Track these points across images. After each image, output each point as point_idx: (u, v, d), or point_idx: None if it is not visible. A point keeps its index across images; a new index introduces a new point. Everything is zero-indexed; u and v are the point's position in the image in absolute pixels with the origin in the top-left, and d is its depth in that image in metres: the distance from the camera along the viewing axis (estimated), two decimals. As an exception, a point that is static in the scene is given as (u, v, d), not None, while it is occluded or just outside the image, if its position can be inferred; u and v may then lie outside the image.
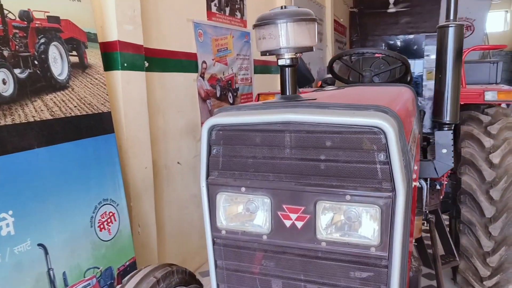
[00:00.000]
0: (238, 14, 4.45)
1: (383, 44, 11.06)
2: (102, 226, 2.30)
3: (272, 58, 4.96)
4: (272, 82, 5.42)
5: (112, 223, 2.37)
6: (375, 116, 1.16)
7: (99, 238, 2.29)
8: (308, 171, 1.26)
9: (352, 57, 3.37)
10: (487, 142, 2.80)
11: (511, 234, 2.75)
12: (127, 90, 2.69)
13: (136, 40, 2.75)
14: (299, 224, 1.29)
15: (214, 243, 1.43)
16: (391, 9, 10.28)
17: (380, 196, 1.19)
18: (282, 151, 1.29)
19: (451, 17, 2.00)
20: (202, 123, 3.75)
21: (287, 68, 1.43)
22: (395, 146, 1.14)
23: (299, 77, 2.69)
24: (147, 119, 2.90)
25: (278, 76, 4.91)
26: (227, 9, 4.24)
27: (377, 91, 1.97)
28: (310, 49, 1.40)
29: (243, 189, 1.35)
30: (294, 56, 1.40)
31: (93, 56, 2.43)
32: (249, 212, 1.36)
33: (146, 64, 2.95)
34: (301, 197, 1.28)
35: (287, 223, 1.31)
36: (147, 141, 2.90)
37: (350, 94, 1.81)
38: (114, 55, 2.58)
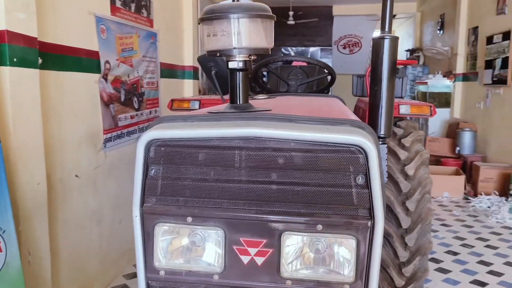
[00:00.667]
0: (144, 12, 4.09)
1: (282, 54, 11.32)
2: (-18, 260, 1.83)
3: (178, 62, 4.67)
4: (178, 87, 5.13)
5: (-5, 255, 1.90)
6: (354, 133, 1.00)
7: (-22, 276, 1.82)
8: (272, 197, 1.06)
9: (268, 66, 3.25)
10: (402, 154, 2.86)
11: (424, 244, 2.83)
12: (17, 90, 2.22)
13: (29, 31, 2.30)
14: (259, 260, 1.08)
15: (149, 287, 1.14)
16: (290, 21, 10.59)
17: (357, 225, 1.03)
18: (240, 173, 1.07)
19: (386, 29, 1.95)
20: (104, 130, 3.35)
21: (238, 72, 1.21)
22: (377, 168, 0.99)
23: (223, 83, 2.47)
24: (41, 124, 2.45)
25: (184, 81, 4.63)
26: (133, 5, 3.87)
27: (318, 102, 1.85)
28: (266, 51, 1.19)
29: (189, 219, 1.09)
30: (248, 59, 1.19)
31: (-28, 46, 1.94)
32: (195, 247, 1.10)
33: (40, 61, 2.49)
34: (262, 228, 1.07)
35: (245, 259, 1.08)
36: (40, 151, 2.44)
37: (296, 104, 1.64)
38: (0, 48, 2.11)
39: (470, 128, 6.73)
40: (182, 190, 1.09)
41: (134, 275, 3.47)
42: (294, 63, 3.17)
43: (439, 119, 7.72)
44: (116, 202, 3.50)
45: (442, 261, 3.83)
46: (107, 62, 3.34)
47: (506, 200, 5.23)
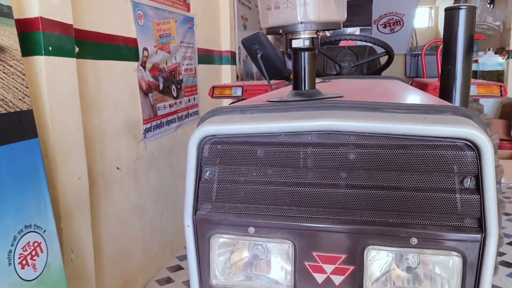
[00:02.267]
0: (181, -4, 3.92)
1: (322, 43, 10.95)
2: (24, 262, 1.73)
3: (215, 47, 4.44)
4: (215, 73, 4.96)
5: (38, 256, 1.81)
6: (460, 123, 0.78)
7: (21, 278, 1.72)
8: (353, 203, 0.86)
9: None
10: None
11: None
12: (53, 81, 2.10)
13: (64, 18, 2.17)
14: (337, 280, 0.89)
15: (205, 307, 0.98)
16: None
17: (464, 240, 0.82)
18: (313, 175, 0.87)
19: (461, -2, 1.69)
20: (144, 121, 3.23)
21: (304, 52, 1.01)
22: (492, 167, 0.77)
23: (269, 67, 2.27)
24: (80, 117, 2.33)
25: (222, 66, 4.45)
26: (169, -11, 3.70)
27: (383, 85, 1.62)
28: (337, 25, 0.98)
29: (251, 229, 0.91)
30: (315, 35, 0.99)
31: (6, 36, 1.82)
32: (259, 261, 0.93)
33: (77, 49, 2.36)
34: (341, 241, 0.87)
35: (319, 277, 0.89)
36: (80, 145, 2.33)
37: (362, 88, 1.42)
38: (35, 36, 1.99)
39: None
40: (243, 195, 0.91)
41: (177, 268, 3.38)
42: (342, 43, 2.92)
43: (491, 99, 7.24)
44: (157, 194, 3.40)
45: (505, 254, 3.53)
46: (145, 49, 3.20)
47: None
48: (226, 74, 5.17)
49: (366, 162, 0.84)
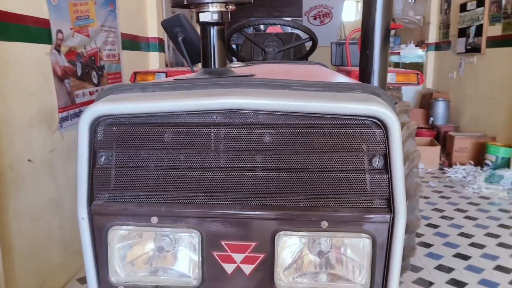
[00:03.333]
0: (101, -24, 3.68)
1: (252, 27, 10.95)
2: None
3: (141, 32, 4.23)
4: (142, 60, 4.75)
5: None
6: (368, 101, 0.76)
7: None
8: (262, 188, 0.81)
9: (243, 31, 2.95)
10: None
11: (412, 221, 2.67)
12: None
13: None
14: (248, 269, 0.83)
15: (104, 307, 0.88)
16: (259, -9, 10.20)
17: (374, 221, 0.79)
18: (219, 157, 0.81)
19: (380, -16, 1.70)
20: (59, 109, 3.00)
21: (213, 27, 0.94)
22: (399, 146, 0.75)
23: (191, 51, 2.16)
24: (-20, 104, 2.10)
25: (149, 54, 4.26)
26: (87, -32, 3.46)
27: (304, 69, 1.59)
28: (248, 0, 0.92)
29: (154, 219, 0.83)
30: (225, 9, 0.92)
31: None
32: (164, 254, 0.85)
33: (-24, 28, 2.12)
34: (250, 228, 0.82)
35: (228, 268, 0.84)
36: (-19, 135, 2.10)
37: (281, 71, 1.38)
38: None
39: (443, 98, 6.66)
40: (144, 182, 0.82)
41: (101, 265, 3.19)
42: (269, 30, 2.89)
43: (411, 89, 7.64)
44: (75, 188, 3.17)
45: (423, 235, 3.73)
46: (59, 31, 2.96)
47: (481, 169, 5.20)
48: (154, 61, 4.97)
49: (275, 143, 0.79)
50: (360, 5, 15.33)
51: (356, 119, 0.76)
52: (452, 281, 2.92)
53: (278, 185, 0.81)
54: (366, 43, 1.76)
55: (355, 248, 0.82)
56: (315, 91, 0.79)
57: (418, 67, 8.02)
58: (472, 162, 5.49)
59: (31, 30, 2.69)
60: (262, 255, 0.83)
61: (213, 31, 0.94)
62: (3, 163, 2.40)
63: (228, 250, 0.83)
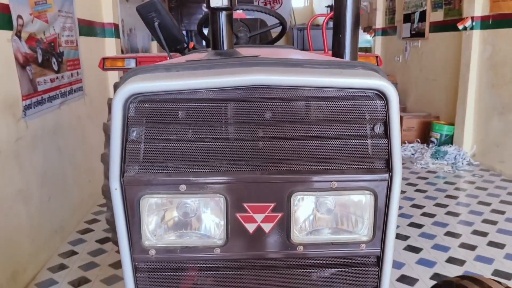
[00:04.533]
0: (55, -41, 3.57)
1: (203, 13, 10.89)
2: None
3: (97, 18, 4.20)
4: (99, 47, 4.66)
5: None
6: (370, 76, 0.88)
7: None
8: (280, 154, 0.92)
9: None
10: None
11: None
12: None
13: None
14: (267, 227, 0.95)
15: (136, 270, 0.96)
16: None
17: (375, 179, 0.93)
18: (241, 129, 0.91)
19: (349, -27, 1.83)
20: (23, 97, 2.93)
21: (221, 12, 1.03)
22: (397, 114, 0.89)
23: (168, 36, 2.22)
24: None
25: (105, 39, 4.20)
26: (41, -49, 3.35)
27: (284, 51, 1.70)
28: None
29: (182, 187, 0.92)
30: (233, -5, 1.01)
31: None
32: (191, 219, 0.94)
33: None
34: (269, 190, 0.93)
35: (250, 227, 0.94)
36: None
37: (268, 53, 1.48)
38: None
39: (391, 80, 6.99)
40: (172, 153, 0.90)
41: (71, 253, 3.19)
42: (234, 16, 2.95)
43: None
44: (43, 178, 3.13)
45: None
46: (19, 17, 2.87)
47: (428, 146, 5.58)
48: (110, 47, 4.87)
49: (290, 115, 0.90)
50: (312, -10, 15.58)
51: (360, 92, 0.89)
52: (409, 247, 3.18)
53: (293, 152, 0.92)
54: (338, 28, 1.89)
55: (359, 204, 0.95)
56: (323, 68, 0.90)
57: (366, 51, 8.37)
58: (419, 140, 5.87)
59: (-9, 15, 2.61)
60: (280, 214, 0.94)
61: (223, 16, 1.03)
62: (-31, 153, 2.34)
63: (250, 211, 0.93)
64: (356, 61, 0.96)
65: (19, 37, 2.88)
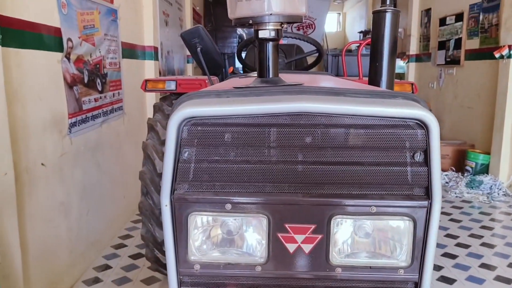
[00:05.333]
0: (104, -13, 3.79)
1: (237, 36, 11.16)
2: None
3: (138, 41, 4.35)
4: (139, 68, 4.86)
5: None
6: (411, 106, 0.92)
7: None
8: (321, 178, 0.96)
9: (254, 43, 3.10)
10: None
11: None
12: (-24, 69, 1.96)
13: (-14, 1, 2.02)
14: (307, 248, 0.98)
15: (181, 283, 1.02)
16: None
17: (414, 206, 0.96)
18: (286, 153, 0.96)
19: (387, 2, 1.89)
20: (69, 115, 3.09)
21: (269, 43, 1.09)
22: (437, 143, 0.92)
23: (208, 61, 2.32)
24: (5, 108, 2.19)
25: (145, 62, 4.38)
26: (91, -21, 3.57)
27: (322, 78, 1.76)
28: (299, 18, 1.08)
29: (228, 206, 0.97)
30: (280, 27, 1.08)
31: None
32: (235, 237, 0.99)
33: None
34: (310, 213, 0.97)
35: (291, 247, 0.98)
36: (5, 138, 2.19)
37: (309, 81, 1.54)
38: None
39: (424, 107, 6.94)
40: (219, 174, 0.96)
41: (105, 267, 3.28)
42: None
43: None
44: (82, 192, 3.26)
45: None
46: (69, 39, 3.06)
47: (462, 175, 5.47)
48: (149, 69, 5.07)
49: (333, 141, 0.95)
50: (341, 17, 15.74)
51: (401, 121, 0.93)
52: (442, 278, 3.11)
53: (334, 176, 0.96)
54: (375, 56, 1.94)
55: (398, 230, 0.98)
56: (365, 97, 0.95)
57: (400, 77, 8.34)
58: (453, 168, 5.76)
59: (44, 38, 2.79)
60: (319, 236, 0.98)
61: (269, 46, 1.09)
62: (20, 166, 2.48)
63: (291, 232, 0.97)
64: (397, 91, 1.00)
65: (68, 58, 3.06)
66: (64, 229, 3.02)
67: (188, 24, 7.77)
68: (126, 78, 4.29)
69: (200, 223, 0.98)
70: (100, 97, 3.64)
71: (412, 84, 2.84)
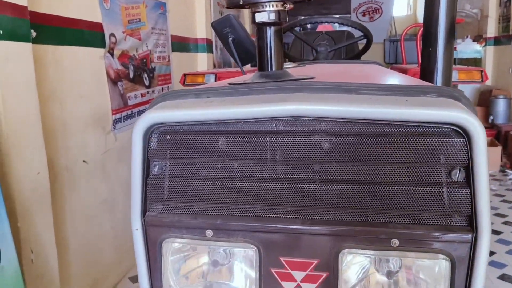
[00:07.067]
0: (151, -21, 3.73)
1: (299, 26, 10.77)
2: (-29, 267, 1.58)
3: (190, 34, 4.22)
4: (191, 62, 4.79)
5: (-13, 260, 1.65)
6: (446, 106, 0.67)
7: (-32, 285, 1.57)
8: (326, 201, 0.74)
9: (293, 30, 2.87)
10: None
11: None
12: (6, 68, 1.93)
13: (17, -1, 1.99)
14: (309, 288, 0.77)
15: (157, 321, 0.85)
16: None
17: (452, 240, 0.71)
18: (279, 168, 0.75)
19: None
20: (112, 111, 3.06)
21: (269, 28, 0.88)
22: (484, 157, 0.66)
23: (241, 51, 2.12)
24: (38, 107, 2.15)
25: (198, 55, 4.27)
26: (138, -28, 3.51)
27: (361, 68, 1.50)
28: (306, -3, 0.86)
29: (209, 232, 0.78)
30: (282, 8, 0.86)
31: None
32: (220, 268, 0.80)
33: (34, 34, 2.18)
34: (313, 244, 0.75)
35: (288, 286, 0.78)
36: (39, 138, 2.16)
37: (338, 72, 1.30)
38: (-18, 18, 1.81)
39: (504, 95, 6.26)
40: (198, 192, 0.78)
41: (152, 265, 3.23)
42: (320, 28, 2.79)
43: (469, 86, 7.25)
44: (127, 188, 3.23)
45: (494, 253, 3.49)
46: (112, 35, 3.02)
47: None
48: (202, 62, 4.99)
49: (340, 153, 0.72)
50: (412, 0, 14.81)
51: (432, 126, 0.68)
52: (505, 277, 2.73)
53: (343, 198, 0.74)
54: (428, 40, 1.64)
55: (430, 270, 0.74)
56: (384, 95, 0.71)
57: (475, 62, 7.61)
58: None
59: (85, 34, 2.76)
60: (324, 274, 0.76)
61: (270, 32, 0.88)
62: (59, 164, 2.47)
63: (288, 268, 0.77)
64: (430, 85, 0.75)
65: (112, 54, 3.02)
66: (108, 226, 3.01)
67: (246, 14, 7.62)
68: (177, 72, 4.23)
69: (177, 251, 0.80)
70: (148, 92, 3.60)
71: (481, 71, 2.46)
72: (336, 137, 0.71)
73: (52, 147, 2.34)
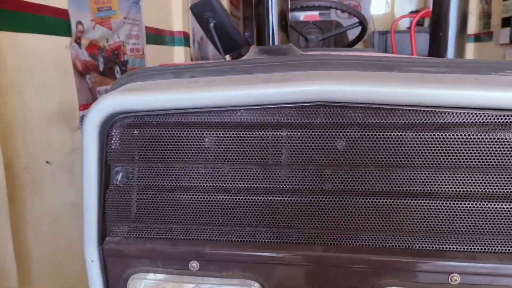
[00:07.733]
0: (124, -35, 3.46)
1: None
2: None
3: (166, 26, 3.93)
4: (167, 55, 4.54)
5: None
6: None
7: None
8: (357, 221, 0.53)
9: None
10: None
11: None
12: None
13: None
14: None
15: None
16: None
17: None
18: (293, 175, 0.53)
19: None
20: (80, 106, 2.79)
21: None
22: None
23: (225, 39, 1.89)
24: (-10, 101, 1.88)
25: (174, 48, 4.00)
26: (109, -44, 3.24)
27: (368, 54, 1.30)
28: None
29: (194, 264, 0.56)
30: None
31: None
32: (208, 314, 0.58)
33: (-13, 17, 1.92)
34: (337, 280, 0.54)
35: (303, 337, 0.56)
36: (-10, 136, 1.89)
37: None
38: None
39: (486, 92, 6.24)
40: (179, 210, 0.55)
41: (125, 273, 2.99)
42: (306, 18, 2.60)
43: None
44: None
45: None
46: (79, 23, 2.74)
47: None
48: (179, 56, 4.76)
49: (382, 154, 0.51)
50: (389, -1, 14.92)
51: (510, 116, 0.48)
52: None
53: (382, 216, 0.53)
54: (438, 26, 1.46)
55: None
56: (439, 72, 0.51)
57: (455, 60, 7.60)
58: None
59: (49, 20, 2.50)
60: (355, 321, 0.55)
61: (272, 1, 0.66)
62: (18, 165, 2.20)
63: (304, 312, 0.55)
64: (504, 61, 0.55)
65: (79, 43, 2.75)
66: (76, 232, 2.74)
67: (226, 9, 7.39)
68: (152, 65, 3.98)
69: (149, 291, 0.58)
70: (120, 87, 3.35)
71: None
72: (376, 132, 0.50)
73: (10, 146, 2.08)
